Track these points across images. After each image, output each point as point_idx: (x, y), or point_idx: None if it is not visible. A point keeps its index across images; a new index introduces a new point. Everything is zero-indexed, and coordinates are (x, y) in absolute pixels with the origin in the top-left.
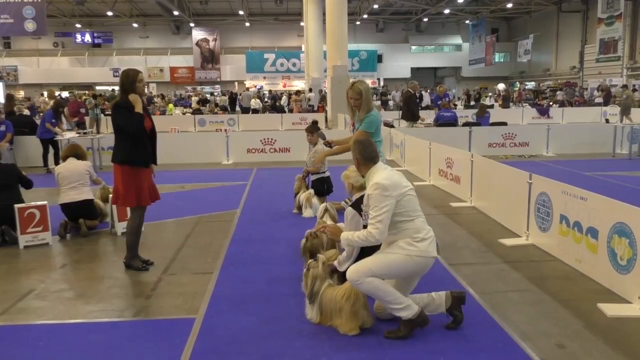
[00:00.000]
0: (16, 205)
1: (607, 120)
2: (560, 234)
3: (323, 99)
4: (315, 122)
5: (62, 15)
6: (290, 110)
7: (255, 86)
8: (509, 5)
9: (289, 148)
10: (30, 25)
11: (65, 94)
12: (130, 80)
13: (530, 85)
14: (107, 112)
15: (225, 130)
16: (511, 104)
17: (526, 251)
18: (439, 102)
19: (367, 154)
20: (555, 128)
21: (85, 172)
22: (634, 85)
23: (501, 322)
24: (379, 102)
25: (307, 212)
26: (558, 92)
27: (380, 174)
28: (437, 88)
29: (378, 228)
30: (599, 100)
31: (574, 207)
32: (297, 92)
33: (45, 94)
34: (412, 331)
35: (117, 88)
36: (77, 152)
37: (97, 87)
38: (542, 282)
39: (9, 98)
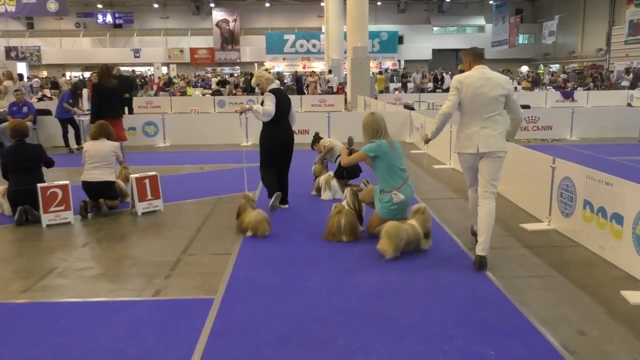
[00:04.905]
0: (39, 185)
1: (629, 104)
2: (584, 219)
3: None
4: (316, 134)
5: None
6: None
7: (278, 73)
8: None
9: (308, 130)
10: (52, 6)
11: (87, 74)
12: None
13: (555, 67)
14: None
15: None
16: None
17: (548, 236)
18: None
19: (478, 51)
20: (580, 111)
21: (112, 153)
22: None
23: (521, 308)
24: (399, 84)
25: (325, 194)
26: (562, 75)
27: (469, 72)
28: (459, 68)
29: (446, 104)
30: (625, 83)
31: (598, 192)
32: (312, 73)
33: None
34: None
35: (137, 69)
36: (108, 132)
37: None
38: (563, 268)
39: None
